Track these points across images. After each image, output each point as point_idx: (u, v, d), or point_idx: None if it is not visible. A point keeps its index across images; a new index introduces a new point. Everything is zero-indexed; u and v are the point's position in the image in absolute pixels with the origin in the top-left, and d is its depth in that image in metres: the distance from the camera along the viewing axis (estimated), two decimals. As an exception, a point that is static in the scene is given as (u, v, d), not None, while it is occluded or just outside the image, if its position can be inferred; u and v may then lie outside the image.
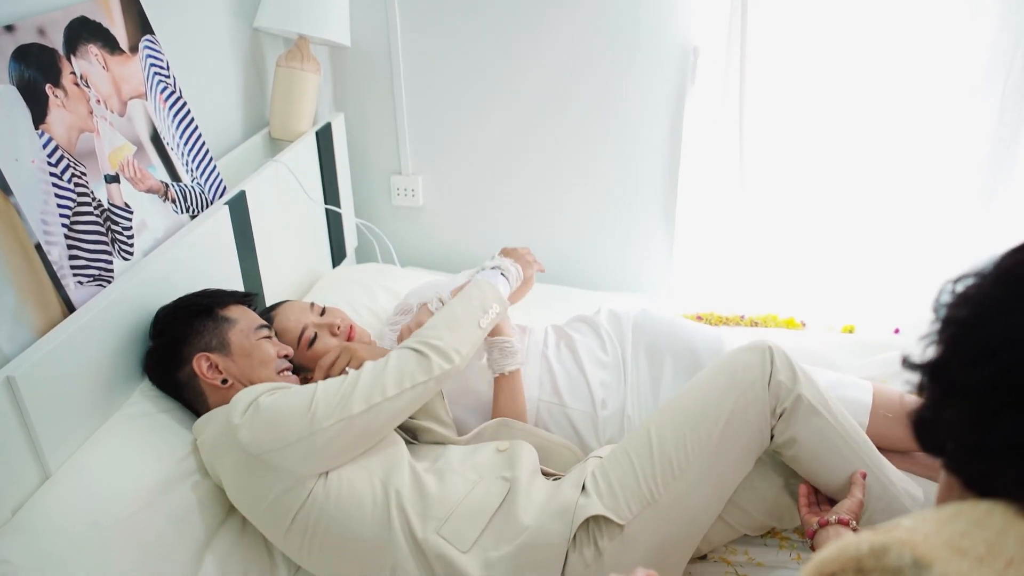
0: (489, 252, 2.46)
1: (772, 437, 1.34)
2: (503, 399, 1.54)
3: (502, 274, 1.56)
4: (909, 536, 0.58)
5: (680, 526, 1.28)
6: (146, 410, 1.42)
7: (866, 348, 1.85)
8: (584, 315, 1.81)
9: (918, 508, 1.32)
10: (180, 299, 1.49)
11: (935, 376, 0.65)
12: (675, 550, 1.29)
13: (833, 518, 1.23)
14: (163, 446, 1.37)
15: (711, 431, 1.29)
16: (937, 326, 0.64)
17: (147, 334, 1.47)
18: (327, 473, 1.28)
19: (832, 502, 1.33)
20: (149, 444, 1.36)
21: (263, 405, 1.26)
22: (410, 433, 1.51)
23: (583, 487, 1.30)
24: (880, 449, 1.44)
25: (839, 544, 0.62)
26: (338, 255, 2.33)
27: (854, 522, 1.22)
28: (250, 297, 1.56)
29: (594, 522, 1.26)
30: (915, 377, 0.66)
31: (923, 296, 2.06)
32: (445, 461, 1.38)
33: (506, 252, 1.66)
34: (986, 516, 0.59)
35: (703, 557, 1.44)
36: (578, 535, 1.25)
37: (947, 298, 0.65)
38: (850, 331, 2.01)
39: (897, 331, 2.00)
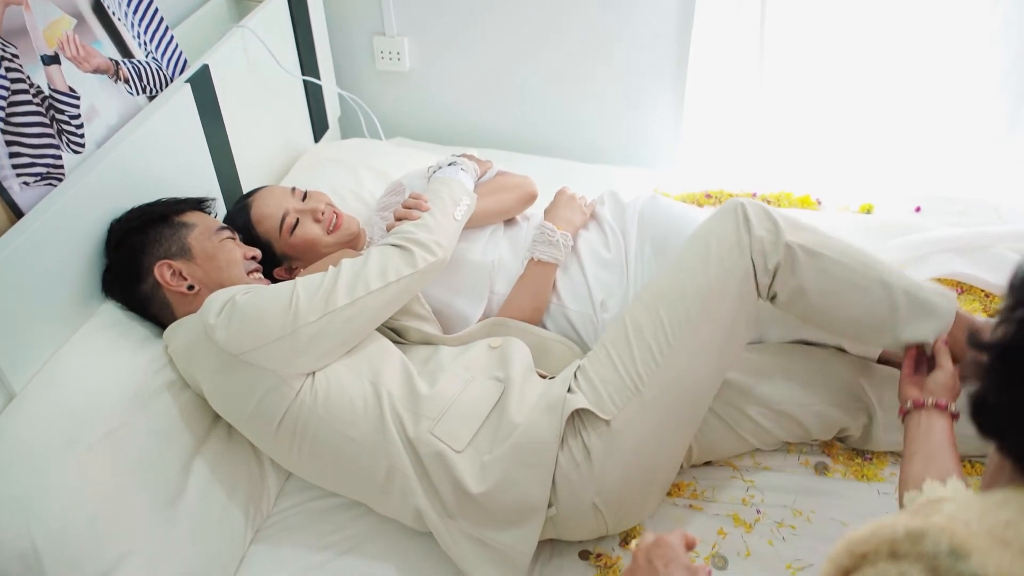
0: (481, 121, 2.32)
1: (774, 297, 1.26)
2: (523, 284, 1.49)
3: (461, 169, 1.50)
4: (948, 523, 0.56)
5: (670, 416, 1.22)
6: (118, 319, 1.33)
7: (886, 229, 1.74)
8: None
9: (951, 304, 1.24)
10: (131, 210, 1.37)
11: (1004, 358, 0.59)
12: (667, 444, 1.24)
13: (930, 400, 1.15)
14: (139, 357, 1.29)
15: (689, 309, 1.22)
16: (1009, 305, 0.60)
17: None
18: (314, 374, 1.23)
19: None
20: (123, 356, 1.28)
21: (240, 303, 1.20)
22: (396, 334, 1.45)
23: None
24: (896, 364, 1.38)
25: (873, 524, 0.59)
26: (319, 128, 2.16)
27: (952, 405, 1.15)
28: (206, 202, 1.46)
29: (580, 420, 1.21)
30: (979, 356, 0.60)
31: (944, 171, 1.94)
32: (436, 362, 1.34)
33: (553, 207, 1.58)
34: None
35: (709, 462, 1.40)
36: (567, 435, 1.21)
37: (1022, 278, 0.60)
38: (868, 210, 1.90)
39: (918, 209, 1.88)
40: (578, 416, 1.22)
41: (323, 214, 1.52)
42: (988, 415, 0.61)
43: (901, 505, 0.99)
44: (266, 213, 1.51)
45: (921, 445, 1.11)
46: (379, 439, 1.22)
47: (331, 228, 1.52)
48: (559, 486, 1.20)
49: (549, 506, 1.19)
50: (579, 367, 1.28)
